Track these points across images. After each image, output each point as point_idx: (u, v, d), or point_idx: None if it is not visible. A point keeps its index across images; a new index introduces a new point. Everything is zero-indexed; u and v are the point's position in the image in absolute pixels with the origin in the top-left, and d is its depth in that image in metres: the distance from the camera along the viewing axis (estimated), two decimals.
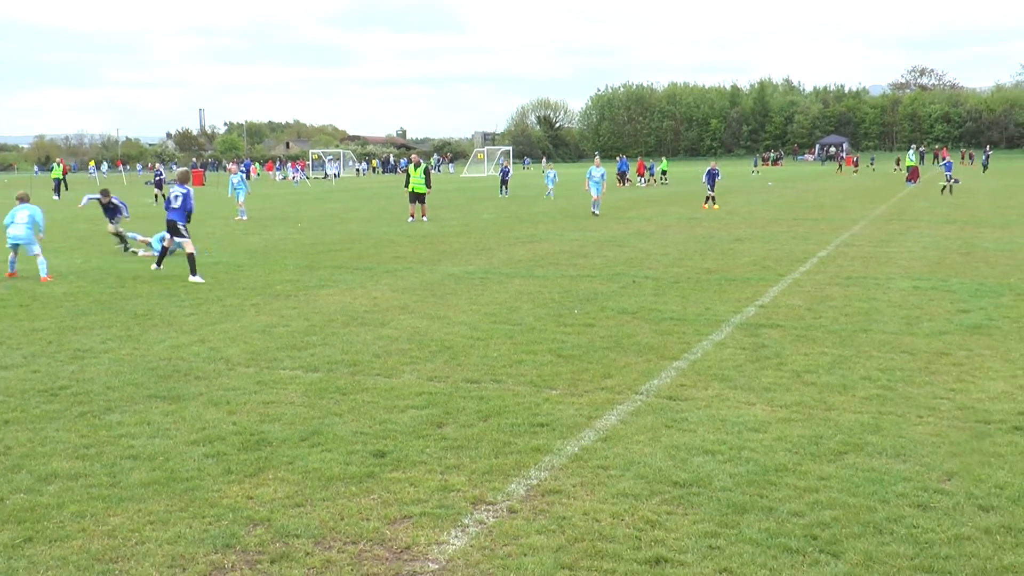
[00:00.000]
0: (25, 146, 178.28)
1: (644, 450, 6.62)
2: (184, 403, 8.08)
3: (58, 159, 70.94)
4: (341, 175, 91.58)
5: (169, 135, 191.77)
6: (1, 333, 11.51)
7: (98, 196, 21.88)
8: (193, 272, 15.94)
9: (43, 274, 16.32)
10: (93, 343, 10.78)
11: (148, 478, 6.21)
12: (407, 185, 30.56)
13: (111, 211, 21.97)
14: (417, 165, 30.42)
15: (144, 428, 7.36)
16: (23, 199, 17.06)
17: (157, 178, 46.66)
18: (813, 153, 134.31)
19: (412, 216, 29.24)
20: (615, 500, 5.70)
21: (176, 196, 16.86)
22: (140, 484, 6.10)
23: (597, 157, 36.24)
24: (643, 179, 62.29)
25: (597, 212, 30.85)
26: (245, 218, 31.53)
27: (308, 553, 5.03)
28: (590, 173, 31.87)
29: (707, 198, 34.20)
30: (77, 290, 15.15)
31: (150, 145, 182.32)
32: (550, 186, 43.77)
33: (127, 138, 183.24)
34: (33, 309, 13.34)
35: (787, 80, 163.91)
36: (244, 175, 35.94)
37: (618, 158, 66.18)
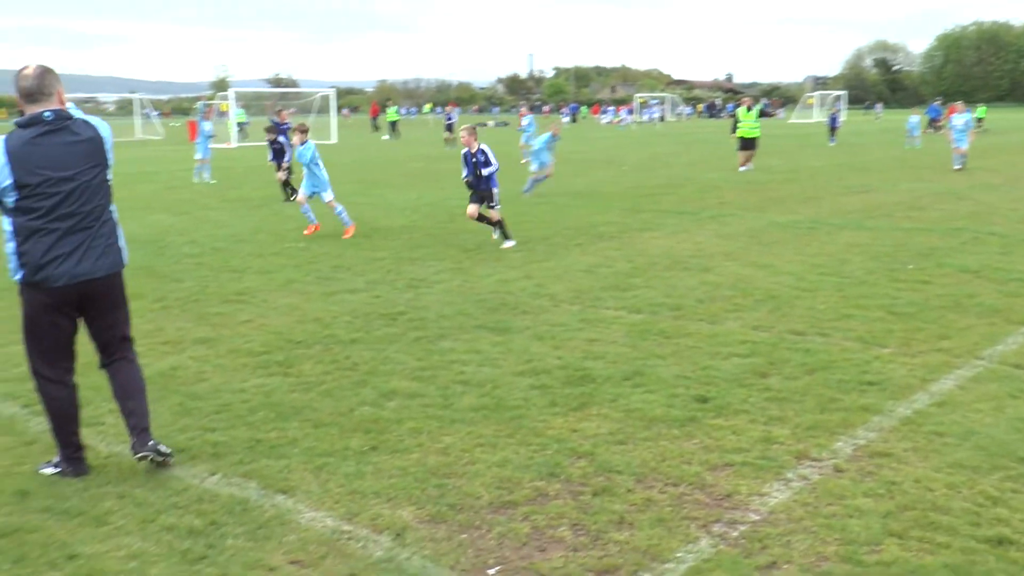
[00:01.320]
0: (369, 90, 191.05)
1: (985, 420, 6.15)
2: (511, 335, 8.40)
3: (386, 101, 74.51)
4: (666, 119, 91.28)
5: (499, 79, 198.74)
6: (348, 260, 12.49)
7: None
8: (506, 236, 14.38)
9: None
10: (427, 273, 11.43)
11: (477, 403, 6.52)
12: (734, 131, 29.05)
13: (279, 154, 19.63)
14: (749, 108, 28.20)
15: (474, 356, 7.73)
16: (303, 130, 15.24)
17: (448, 121, 47.83)
18: None
19: (744, 164, 27.19)
20: (951, 470, 5.34)
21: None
22: (470, 408, 6.42)
23: (960, 103, 30.17)
24: None
25: (958, 166, 26.25)
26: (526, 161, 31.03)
27: (629, 490, 5.10)
28: (952, 122, 27.78)
29: None
30: (411, 224, 16.13)
31: (481, 89, 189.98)
32: (915, 133, 40.04)
33: (459, 82, 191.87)
34: (374, 239, 14.38)
35: None
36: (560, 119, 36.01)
37: (933, 103, 60.52)
